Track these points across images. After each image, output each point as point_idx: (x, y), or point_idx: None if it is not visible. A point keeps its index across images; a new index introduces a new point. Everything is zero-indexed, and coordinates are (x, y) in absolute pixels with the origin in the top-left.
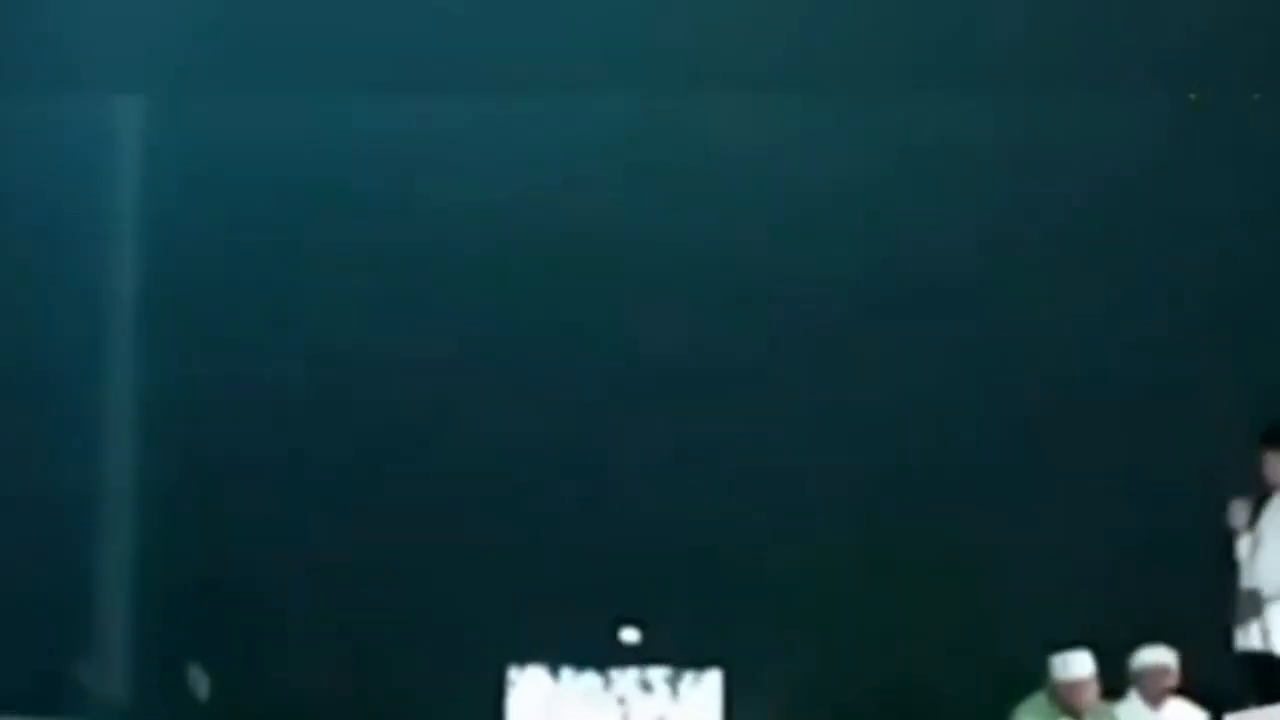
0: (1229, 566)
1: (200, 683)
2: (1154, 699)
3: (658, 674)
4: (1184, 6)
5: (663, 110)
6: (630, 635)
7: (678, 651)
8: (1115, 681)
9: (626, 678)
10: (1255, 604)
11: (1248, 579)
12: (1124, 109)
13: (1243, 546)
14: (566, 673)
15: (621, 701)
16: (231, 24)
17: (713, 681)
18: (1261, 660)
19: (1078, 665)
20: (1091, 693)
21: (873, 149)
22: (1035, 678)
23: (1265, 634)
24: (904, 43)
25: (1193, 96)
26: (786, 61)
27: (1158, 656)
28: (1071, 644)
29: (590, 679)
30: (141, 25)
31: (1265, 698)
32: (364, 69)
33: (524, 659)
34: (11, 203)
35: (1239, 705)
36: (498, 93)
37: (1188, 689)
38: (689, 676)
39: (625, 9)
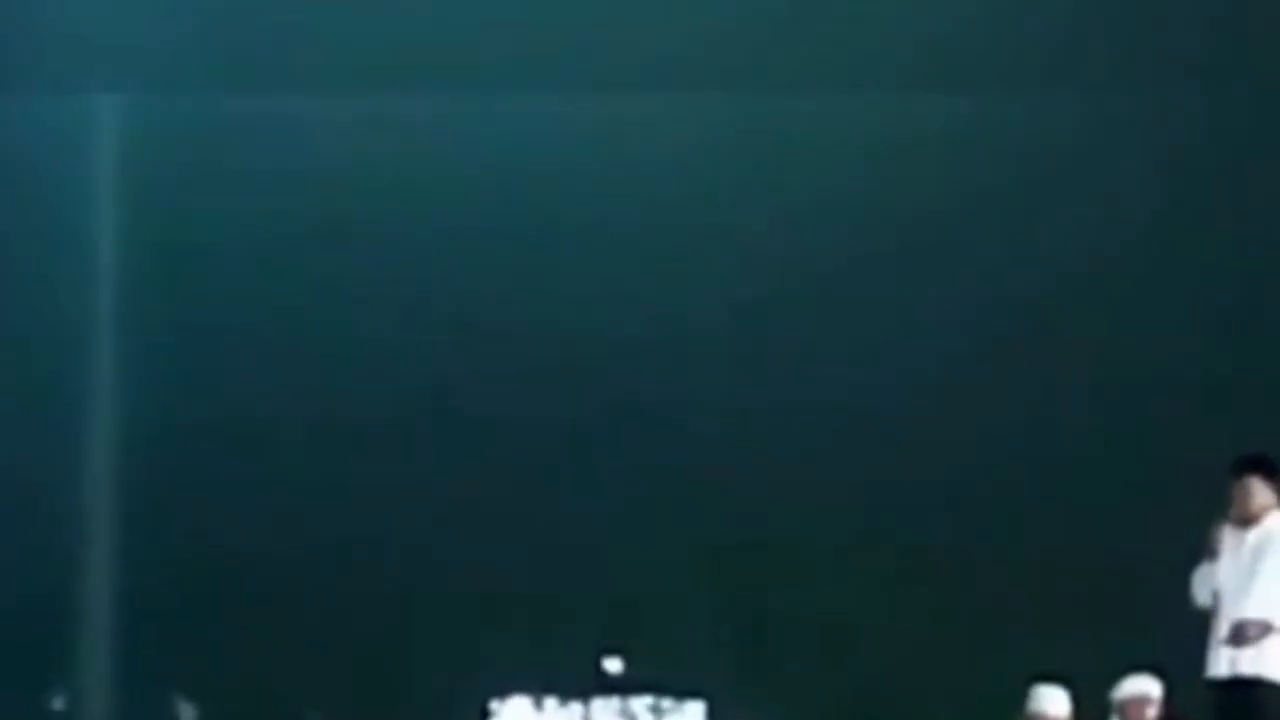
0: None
1: (187, 712)
2: None
3: (640, 704)
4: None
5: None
6: (613, 665)
7: (661, 682)
8: (1097, 710)
9: (609, 708)
10: (1241, 634)
11: (1236, 610)
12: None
13: (1225, 575)
14: (550, 703)
15: None
16: (211, 26)
17: (695, 713)
18: (1238, 687)
19: (1051, 703)
20: None
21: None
22: (1018, 706)
23: (1251, 660)
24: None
25: None
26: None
27: (1140, 686)
28: (1054, 676)
29: (573, 710)
30: (121, 27)
31: None
32: (341, 71)
33: (506, 691)
34: None
35: None
36: (481, 91)
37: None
38: (672, 707)
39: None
